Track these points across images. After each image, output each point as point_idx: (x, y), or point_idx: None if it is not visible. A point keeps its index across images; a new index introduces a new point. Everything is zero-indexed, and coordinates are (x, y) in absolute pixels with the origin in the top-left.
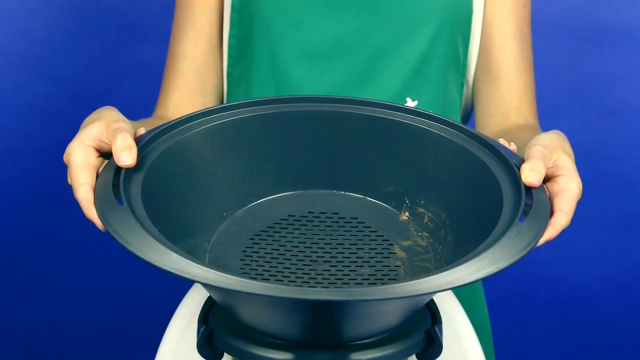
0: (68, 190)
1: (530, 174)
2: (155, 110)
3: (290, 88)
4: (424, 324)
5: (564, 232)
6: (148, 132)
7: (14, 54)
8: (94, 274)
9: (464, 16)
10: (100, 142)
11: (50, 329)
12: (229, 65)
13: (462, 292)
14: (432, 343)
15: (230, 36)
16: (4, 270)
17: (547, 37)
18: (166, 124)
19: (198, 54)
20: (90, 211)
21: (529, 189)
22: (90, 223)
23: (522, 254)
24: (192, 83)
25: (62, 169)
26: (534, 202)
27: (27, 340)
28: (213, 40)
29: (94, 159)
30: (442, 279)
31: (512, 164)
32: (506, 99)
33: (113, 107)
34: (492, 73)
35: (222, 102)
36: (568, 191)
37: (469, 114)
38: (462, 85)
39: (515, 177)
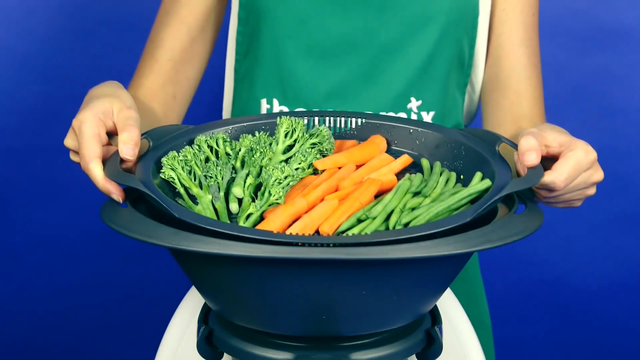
0: (68, 190)
1: (529, 155)
2: (129, 88)
3: (295, 85)
4: (424, 324)
5: (564, 232)
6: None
7: (14, 54)
8: (94, 274)
9: (470, 17)
10: (109, 119)
11: (51, 329)
12: (236, 61)
13: (462, 289)
14: (432, 343)
15: (238, 32)
16: (4, 270)
17: (547, 37)
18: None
19: (176, 44)
20: (102, 183)
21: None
22: (90, 223)
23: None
24: (166, 72)
25: (62, 169)
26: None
27: (27, 340)
28: (192, 34)
29: (104, 132)
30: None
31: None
32: (515, 107)
33: (121, 86)
34: (502, 82)
35: (194, 93)
36: (572, 155)
37: (473, 116)
38: (465, 85)
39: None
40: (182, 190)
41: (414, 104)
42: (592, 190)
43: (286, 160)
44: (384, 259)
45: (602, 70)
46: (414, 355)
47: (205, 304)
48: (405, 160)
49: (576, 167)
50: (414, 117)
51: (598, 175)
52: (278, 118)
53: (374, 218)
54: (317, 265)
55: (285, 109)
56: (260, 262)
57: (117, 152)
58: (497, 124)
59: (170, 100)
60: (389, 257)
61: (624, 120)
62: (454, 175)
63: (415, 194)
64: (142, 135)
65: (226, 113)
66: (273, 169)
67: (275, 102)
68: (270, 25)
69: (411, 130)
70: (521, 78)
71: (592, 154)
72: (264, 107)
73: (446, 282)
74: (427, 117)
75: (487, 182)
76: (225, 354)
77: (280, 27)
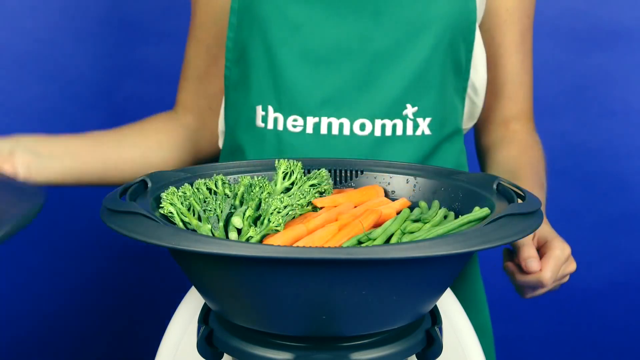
0: (67, 191)
1: (531, 263)
2: (175, 105)
3: (289, 92)
4: (424, 324)
5: (564, 232)
6: None
7: (14, 54)
8: (94, 274)
9: (467, 22)
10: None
11: (50, 329)
12: (226, 68)
13: (463, 291)
14: (432, 343)
15: (228, 39)
16: (4, 270)
17: (547, 37)
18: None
19: (199, 63)
20: None
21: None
22: (90, 223)
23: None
24: (195, 88)
25: None
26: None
27: (27, 340)
28: (212, 52)
29: None
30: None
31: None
32: (507, 110)
33: (28, 144)
34: (497, 86)
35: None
36: (551, 255)
37: (476, 119)
38: (464, 90)
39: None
40: (180, 225)
41: (409, 110)
42: (565, 279)
43: None
44: (384, 258)
45: (602, 70)
46: (414, 355)
47: (205, 304)
48: (403, 202)
49: (558, 265)
50: (409, 123)
51: (572, 267)
52: (276, 161)
53: (374, 239)
54: (317, 265)
55: (280, 117)
56: (260, 262)
57: (123, 185)
58: (489, 123)
59: (207, 111)
60: (389, 257)
61: (623, 120)
62: (452, 213)
63: (415, 221)
64: (142, 177)
65: (220, 119)
66: (272, 200)
67: (270, 108)
68: (263, 32)
69: (408, 180)
70: (515, 82)
71: (567, 250)
72: (259, 113)
73: (446, 282)
74: (424, 123)
75: (485, 210)
76: (225, 354)
77: (273, 33)
